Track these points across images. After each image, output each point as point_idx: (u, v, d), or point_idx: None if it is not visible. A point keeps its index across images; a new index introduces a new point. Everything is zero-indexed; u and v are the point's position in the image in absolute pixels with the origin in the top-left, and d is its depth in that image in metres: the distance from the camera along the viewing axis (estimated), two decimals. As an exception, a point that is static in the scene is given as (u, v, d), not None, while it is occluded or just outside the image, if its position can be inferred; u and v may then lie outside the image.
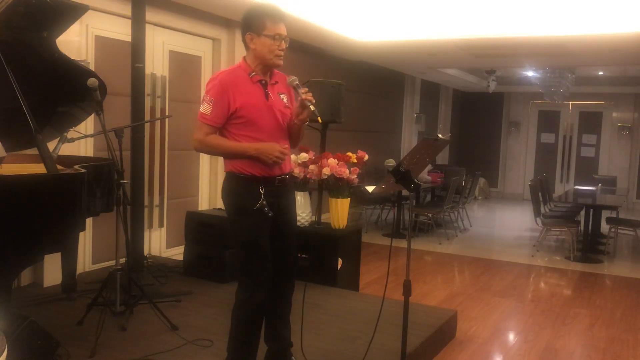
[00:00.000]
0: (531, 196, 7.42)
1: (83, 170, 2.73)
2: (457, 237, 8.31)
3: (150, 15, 4.83)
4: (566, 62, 8.98)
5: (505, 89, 13.04)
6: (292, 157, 4.34)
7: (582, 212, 7.36)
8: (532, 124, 13.50)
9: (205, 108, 2.59)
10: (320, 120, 2.75)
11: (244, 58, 2.71)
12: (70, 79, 3.12)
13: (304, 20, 5.85)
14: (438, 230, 8.53)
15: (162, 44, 5.47)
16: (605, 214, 7.91)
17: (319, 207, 4.79)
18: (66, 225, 2.61)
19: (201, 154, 5.95)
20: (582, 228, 7.20)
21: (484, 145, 13.80)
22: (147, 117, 4.95)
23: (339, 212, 4.62)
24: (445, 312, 4.17)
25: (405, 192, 3.95)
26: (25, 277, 4.33)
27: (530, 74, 10.90)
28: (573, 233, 7.20)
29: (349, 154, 4.62)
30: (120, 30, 4.91)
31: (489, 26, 6.25)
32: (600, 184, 8.60)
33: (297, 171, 4.49)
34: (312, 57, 7.41)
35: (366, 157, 4.68)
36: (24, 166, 3.17)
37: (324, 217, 4.88)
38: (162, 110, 5.47)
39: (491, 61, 9.14)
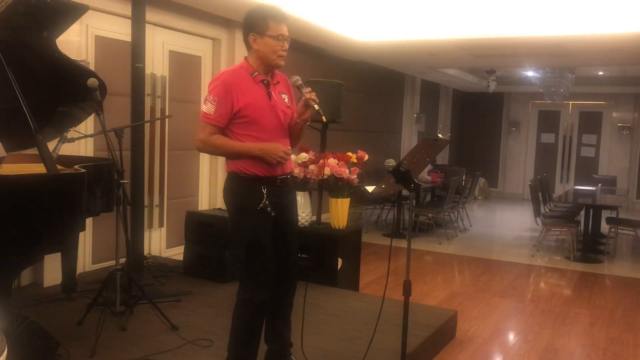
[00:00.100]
0: (531, 196, 7.42)
1: (83, 170, 2.73)
2: (457, 237, 8.31)
3: (150, 15, 4.83)
4: (566, 62, 8.98)
5: (505, 89, 13.04)
6: (292, 157, 4.34)
7: (582, 212, 7.36)
8: (532, 124, 13.50)
9: (208, 108, 2.59)
10: (324, 119, 2.76)
11: (246, 58, 2.71)
12: (70, 79, 3.12)
13: (304, 20, 5.85)
14: (438, 230, 8.53)
15: (162, 44, 5.47)
16: (605, 214, 7.91)
17: (319, 207, 4.79)
18: (66, 225, 2.61)
19: (201, 153, 5.96)
20: (582, 228, 7.20)
21: (484, 145, 13.80)
22: (147, 117, 4.95)
23: (339, 212, 4.62)
24: (445, 312, 4.17)
25: (405, 192, 3.94)
26: (25, 277, 4.33)
27: (530, 74, 10.90)
28: (573, 233, 7.20)
29: (349, 154, 4.62)
30: (120, 30, 4.91)
31: (489, 26, 6.25)
32: (600, 184, 8.60)
33: (297, 171, 4.49)
34: (312, 57, 7.41)
35: (366, 157, 4.68)
36: (24, 166, 3.17)
37: (324, 217, 4.88)
38: (162, 110, 5.47)
39: (491, 61, 9.14)
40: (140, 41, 4.43)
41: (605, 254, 7.31)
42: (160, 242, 5.58)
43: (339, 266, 4.51)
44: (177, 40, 5.64)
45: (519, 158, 13.60)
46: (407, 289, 2.74)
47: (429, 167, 9.25)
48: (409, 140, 10.92)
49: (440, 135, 3.10)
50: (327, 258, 4.52)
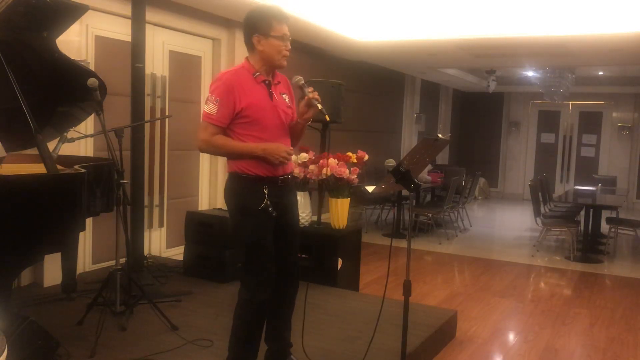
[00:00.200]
0: (531, 196, 7.42)
1: (83, 170, 2.73)
2: (457, 237, 8.31)
3: (150, 15, 4.83)
4: (566, 62, 8.98)
5: (505, 89, 13.04)
6: (292, 157, 4.34)
7: (582, 212, 7.36)
8: (532, 124, 13.50)
9: (210, 108, 2.59)
10: (328, 118, 2.76)
11: (247, 59, 2.71)
12: (70, 79, 3.12)
13: (304, 20, 5.85)
14: (438, 230, 8.53)
15: (162, 44, 5.47)
16: (605, 214, 7.91)
17: (319, 207, 4.79)
18: (66, 225, 2.61)
19: (202, 153, 5.96)
20: (582, 228, 7.20)
21: (484, 145, 13.80)
22: (147, 117, 4.95)
23: (339, 212, 4.62)
24: (445, 312, 4.17)
25: (405, 192, 3.95)
26: (25, 277, 4.33)
27: (530, 74, 10.90)
28: (573, 233, 7.20)
29: (349, 154, 4.62)
30: (120, 30, 4.91)
31: (489, 26, 6.25)
32: (600, 184, 8.61)
33: (297, 171, 4.49)
34: (312, 57, 7.41)
35: (366, 157, 4.68)
36: (24, 166, 3.17)
37: (324, 217, 4.88)
38: (162, 110, 5.47)
39: (491, 61, 9.14)
40: (140, 41, 4.43)
41: (605, 254, 7.31)
42: (160, 242, 5.58)
43: (339, 266, 4.51)
44: (177, 40, 5.64)
45: (519, 158, 13.60)
46: (407, 289, 2.74)
47: (429, 167, 9.25)
48: (409, 140, 10.92)
49: (440, 135, 3.10)
50: (327, 258, 4.52)
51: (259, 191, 2.64)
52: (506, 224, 10.52)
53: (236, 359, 2.73)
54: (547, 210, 8.09)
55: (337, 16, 6.39)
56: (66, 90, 3.18)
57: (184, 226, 4.86)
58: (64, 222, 2.59)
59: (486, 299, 5.22)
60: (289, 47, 2.68)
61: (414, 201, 5.76)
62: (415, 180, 2.68)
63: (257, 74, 2.67)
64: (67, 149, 3.43)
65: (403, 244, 3.45)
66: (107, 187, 3.24)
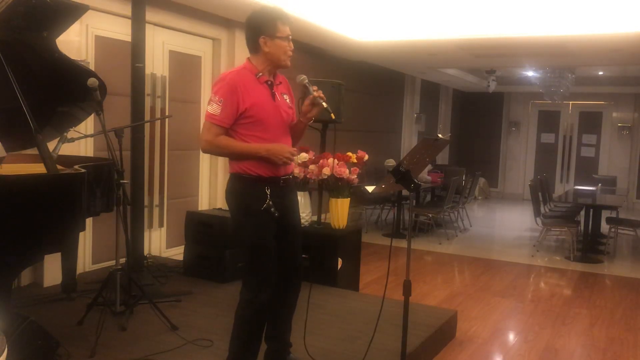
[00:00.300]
0: (531, 196, 7.42)
1: (83, 170, 2.73)
2: (457, 237, 8.31)
3: (150, 15, 4.83)
4: (566, 62, 8.98)
5: (505, 89, 13.04)
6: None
7: (582, 212, 7.36)
8: (532, 124, 13.50)
9: (214, 109, 2.58)
10: (333, 116, 2.77)
11: (249, 59, 2.72)
12: (70, 79, 3.12)
13: (304, 20, 5.85)
14: (438, 230, 8.53)
15: (162, 44, 5.47)
16: (605, 214, 7.91)
17: (319, 207, 4.79)
18: (66, 225, 2.61)
19: (202, 153, 5.96)
20: (582, 228, 7.20)
21: (484, 145, 13.80)
22: (147, 117, 4.94)
23: (339, 212, 4.62)
24: (445, 312, 4.17)
25: (405, 192, 3.95)
26: (25, 277, 4.33)
27: (530, 74, 10.90)
28: (573, 233, 7.20)
29: (349, 154, 4.62)
30: (120, 30, 4.91)
31: (489, 26, 6.25)
32: (600, 184, 8.61)
33: (297, 171, 4.49)
34: (312, 57, 7.41)
35: (366, 157, 4.68)
36: (24, 166, 3.17)
37: (324, 217, 4.88)
38: (162, 110, 5.47)
39: (491, 61, 9.13)
40: (140, 41, 4.43)
41: (605, 254, 7.31)
42: (160, 242, 5.58)
43: (339, 266, 4.51)
44: (177, 40, 5.64)
45: (519, 158, 13.60)
46: (407, 289, 2.74)
47: (429, 167, 9.25)
48: (409, 140, 10.92)
49: (440, 135, 3.10)
50: (327, 258, 4.52)
51: (261, 191, 2.64)
52: (506, 224, 10.53)
53: (236, 359, 2.73)
54: (547, 210, 8.09)
55: (337, 16, 6.39)
56: (66, 90, 3.18)
57: (184, 226, 4.86)
58: (64, 222, 2.59)
59: (486, 299, 5.22)
60: (292, 47, 2.70)
61: (414, 201, 5.76)
62: (415, 180, 2.68)
63: (260, 74, 2.67)
64: (67, 149, 3.42)
65: (403, 244, 3.45)
66: (107, 187, 3.24)
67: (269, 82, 2.71)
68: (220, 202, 5.98)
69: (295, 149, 2.75)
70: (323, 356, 3.19)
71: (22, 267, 2.67)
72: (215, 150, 2.72)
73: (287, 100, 2.79)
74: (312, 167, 4.53)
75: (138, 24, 4.42)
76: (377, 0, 6.46)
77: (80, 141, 4.16)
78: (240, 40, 5.99)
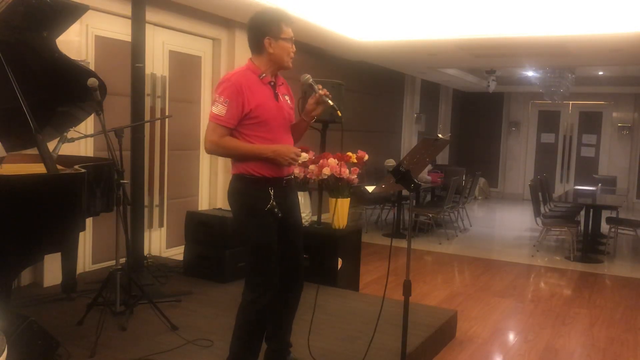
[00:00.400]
0: (531, 196, 7.42)
1: (83, 170, 2.73)
2: (457, 237, 8.31)
3: (150, 15, 4.83)
4: (566, 62, 8.98)
5: (505, 89, 13.04)
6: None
7: (582, 212, 7.36)
8: (532, 124, 13.50)
9: (219, 109, 2.57)
10: (340, 114, 2.77)
11: (251, 60, 2.71)
12: (70, 79, 3.12)
13: (304, 20, 5.85)
14: (438, 230, 8.53)
15: (162, 44, 5.47)
16: (605, 214, 7.91)
17: (319, 207, 4.79)
18: (66, 225, 2.61)
19: (202, 153, 5.96)
20: (582, 228, 7.20)
21: (484, 145, 13.80)
22: (147, 117, 4.94)
23: (339, 212, 4.62)
24: (445, 312, 4.17)
25: (405, 192, 3.95)
26: (25, 277, 4.33)
27: (530, 74, 10.90)
28: (573, 233, 7.20)
29: (349, 154, 4.62)
30: (120, 30, 4.91)
31: (489, 26, 6.25)
32: (600, 184, 8.61)
33: (297, 171, 4.49)
34: (312, 57, 7.41)
35: (366, 157, 4.68)
36: (24, 166, 3.17)
37: (324, 217, 4.88)
38: (162, 110, 5.47)
39: (491, 61, 9.14)
40: (140, 41, 4.43)
41: (605, 254, 7.31)
42: (160, 242, 5.58)
43: (339, 266, 4.51)
44: (177, 40, 5.64)
45: (519, 158, 13.60)
46: (407, 289, 2.74)
47: (429, 167, 9.25)
48: (409, 140, 10.92)
49: (440, 135, 3.10)
50: (327, 258, 4.52)
51: (265, 192, 2.64)
52: (506, 224, 10.53)
53: (237, 359, 2.73)
54: (547, 210, 8.09)
55: (337, 16, 6.39)
56: (66, 90, 3.18)
57: (184, 226, 4.86)
58: (64, 222, 2.59)
59: (486, 299, 5.22)
60: (295, 48, 2.71)
61: (414, 201, 5.76)
62: (415, 180, 2.68)
63: (263, 75, 2.67)
64: (67, 149, 3.42)
65: (403, 244, 3.45)
66: (107, 187, 3.24)
67: (272, 83, 2.71)
68: (220, 202, 5.98)
69: (300, 149, 2.76)
70: (323, 356, 3.19)
71: (22, 267, 2.67)
72: (220, 151, 2.70)
73: (288, 101, 2.80)
74: (312, 167, 4.53)
75: (138, 24, 4.42)
76: (377, 0, 6.45)
77: (80, 141, 4.16)
78: (240, 41, 5.99)
